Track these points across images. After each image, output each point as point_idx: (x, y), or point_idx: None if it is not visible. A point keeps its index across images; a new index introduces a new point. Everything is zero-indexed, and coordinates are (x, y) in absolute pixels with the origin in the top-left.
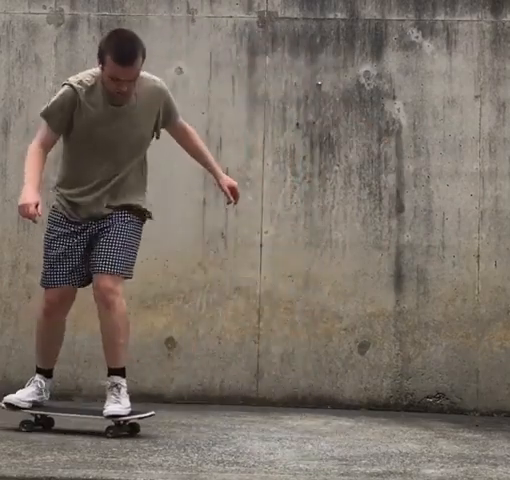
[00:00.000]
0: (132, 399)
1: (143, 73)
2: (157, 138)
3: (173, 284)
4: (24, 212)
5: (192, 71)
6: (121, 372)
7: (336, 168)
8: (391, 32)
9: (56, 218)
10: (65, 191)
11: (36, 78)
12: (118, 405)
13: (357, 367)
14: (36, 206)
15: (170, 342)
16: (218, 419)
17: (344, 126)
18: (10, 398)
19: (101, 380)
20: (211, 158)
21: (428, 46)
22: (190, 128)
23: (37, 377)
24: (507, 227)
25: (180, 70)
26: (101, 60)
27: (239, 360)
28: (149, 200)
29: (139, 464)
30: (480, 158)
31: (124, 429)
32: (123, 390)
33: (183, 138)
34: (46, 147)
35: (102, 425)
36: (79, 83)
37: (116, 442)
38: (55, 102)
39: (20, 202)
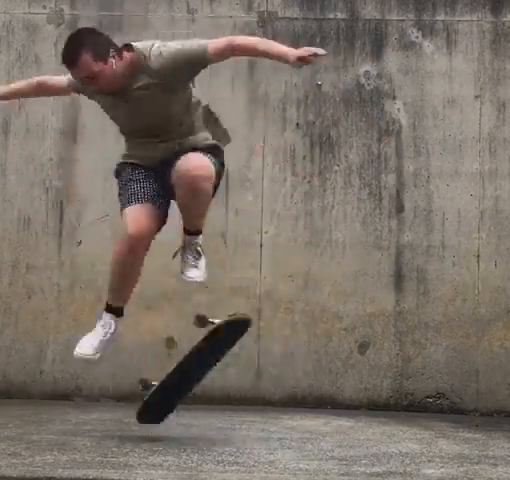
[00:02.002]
0: (132, 399)
1: (140, 47)
2: (193, 87)
3: (173, 284)
4: None
5: None
6: (198, 232)
7: (336, 168)
8: (391, 32)
9: (124, 165)
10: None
11: None
12: (195, 270)
13: (357, 367)
14: None
15: (170, 342)
16: (218, 419)
17: (344, 126)
18: (81, 352)
19: (102, 380)
20: (275, 49)
21: (428, 46)
22: (235, 42)
23: (107, 318)
24: (507, 227)
25: None
26: None
27: (239, 360)
28: None
29: (139, 464)
30: (480, 158)
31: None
32: (200, 249)
33: (239, 55)
34: (44, 82)
35: (105, 425)
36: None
37: (116, 442)
38: None
39: None
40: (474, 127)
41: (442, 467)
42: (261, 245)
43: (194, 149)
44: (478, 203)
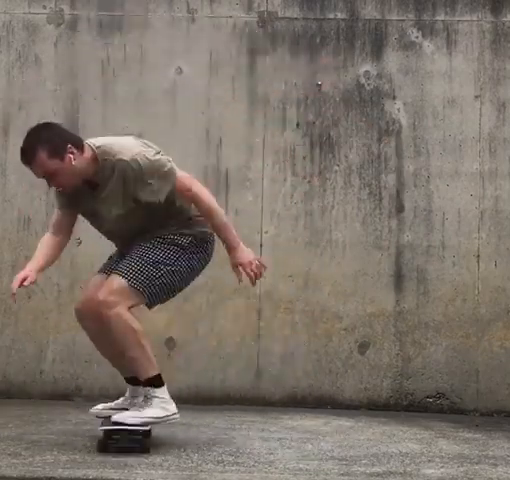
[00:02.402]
0: None
1: (107, 150)
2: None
3: None
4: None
5: (192, 71)
6: (146, 383)
7: (336, 168)
8: (391, 32)
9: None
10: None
11: (36, 78)
12: (128, 412)
13: (357, 367)
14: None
15: (170, 342)
16: (218, 419)
17: (344, 126)
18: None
19: (102, 380)
20: (220, 231)
21: (428, 46)
22: (197, 194)
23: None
24: (507, 227)
25: (180, 70)
26: None
27: (239, 360)
28: None
29: (139, 464)
30: (480, 158)
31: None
32: (154, 400)
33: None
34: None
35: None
36: None
37: None
38: None
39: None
40: (474, 127)
41: (442, 467)
42: (261, 245)
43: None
44: (478, 203)
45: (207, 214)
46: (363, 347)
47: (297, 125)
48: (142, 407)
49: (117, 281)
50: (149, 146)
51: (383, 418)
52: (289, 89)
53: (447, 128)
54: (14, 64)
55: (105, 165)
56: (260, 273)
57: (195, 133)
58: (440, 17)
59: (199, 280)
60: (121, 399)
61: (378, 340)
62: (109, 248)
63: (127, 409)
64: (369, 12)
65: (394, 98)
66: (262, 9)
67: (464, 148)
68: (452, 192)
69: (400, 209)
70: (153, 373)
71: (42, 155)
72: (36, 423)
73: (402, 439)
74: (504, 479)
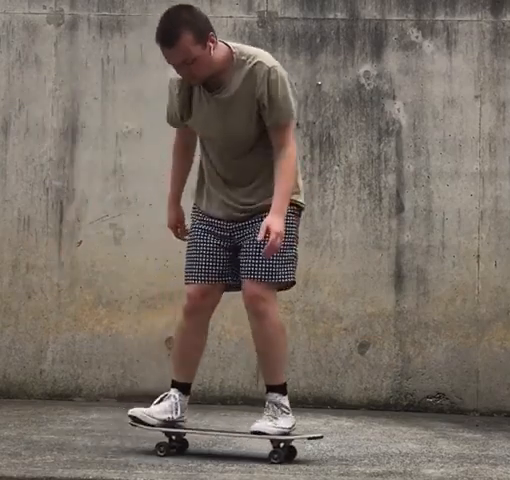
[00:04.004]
0: (132, 399)
1: (244, 51)
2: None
3: (173, 284)
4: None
5: None
6: (279, 389)
7: (336, 168)
8: (391, 32)
9: (197, 215)
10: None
11: (36, 78)
12: (267, 422)
13: (357, 367)
14: (177, 227)
15: (170, 342)
16: (218, 419)
17: (344, 126)
18: (137, 412)
19: (102, 380)
20: (285, 186)
21: (428, 46)
22: (290, 151)
23: (172, 391)
24: (507, 227)
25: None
26: None
27: (239, 360)
28: (148, 199)
29: (139, 464)
30: (480, 158)
31: (281, 453)
32: (283, 409)
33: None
34: (182, 143)
35: (105, 425)
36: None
37: (116, 442)
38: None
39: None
40: (474, 127)
41: (442, 467)
42: None
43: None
44: (478, 203)
45: (286, 175)
46: (363, 347)
47: (297, 125)
48: (275, 416)
49: (261, 286)
50: None
51: (383, 418)
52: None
53: (447, 128)
54: (14, 64)
55: (239, 65)
56: (271, 248)
57: None
58: (440, 17)
59: None
60: (165, 407)
61: (378, 340)
62: (107, 249)
63: (174, 424)
64: (369, 12)
65: (394, 98)
66: (262, 9)
67: (464, 148)
68: (452, 192)
69: (400, 209)
70: (284, 379)
71: (187, 38)
72: (36, 423)
73: (402, 439)
74: (504, 479)
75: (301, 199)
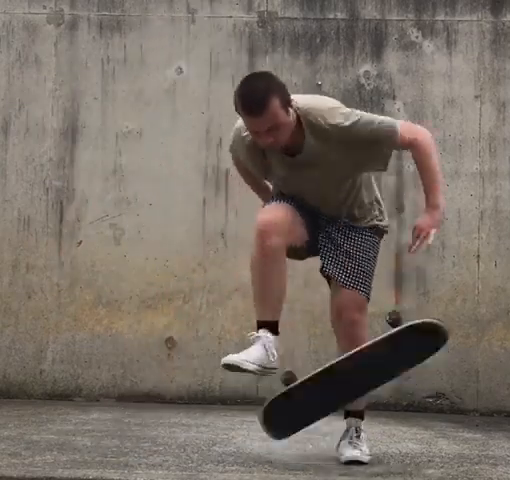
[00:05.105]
0: (132, 399)
1: (304, 108)
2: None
3: (173, 284)
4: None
5: (192, 71)
6: (359, 414)
7: None
8: (391, 32)
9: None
10: None
11: (36, 78)
12: (357, 451)
13: None
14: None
15: (170, 342)
16: (218, 419)
17: None
18: (232, 359)
19: (102, 380)
20: (430, 181)
21: (428, 46)
22: (420, 145)
23: (261, 332)
24: (507, 227)
25: (180, 70)
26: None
27: None
28: (148, 199)
29: (139, 464)
30: (480, 158)
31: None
32: (362, 435)
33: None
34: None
35: (105, 425)
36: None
37: (116, 442)
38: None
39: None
40: (474, 127)
41: (442, 467)
42: None
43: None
44: (478, 203)
45: (429, 172)
46: None
47: None
48: (361, 443)
49: (361, 300)
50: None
51: (383, 418)
52: (289, 89)
53: (447, 128)
54: (14, 64)
55: (308, 124)
56: (423, 241)
57: (195, 133)
58: (440, 17)
59: (199, 280)
60: (258, 350)
61: None
62: (107, 249)
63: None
64: (369, 12)
65: (394, 98)
66: (262, 9)
67: (464, 148)
68: (452, 192)
69: (400, 209)
70: (364, 405)
71: (276, 104)
72: (36, 423)
73: (402, 439)
74: (504, 479)
75: (385, 222)
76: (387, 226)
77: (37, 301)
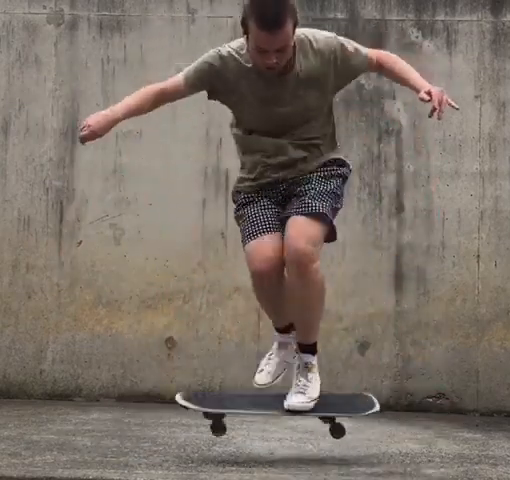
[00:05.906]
0: (132, 399)
1: (303, 34)
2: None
3: (173, 284)
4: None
5: None
6: (312, 349)
7: None
8: (391, 32)
9: (241, 196)
10: (245, 175)
11: (36, 78)
12: (300, 397)
13: (357, 367)
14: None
15: (170, 342)
16: None
17: (344, 126)
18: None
19: (102, 380)
20: (412, 78)
21: (428, 46)
22: (388, 60)
23: (282, 338)
24: (507, 227)
25: (180, 70)
26: (244, 29)
27: (239, 360)
28: (148, 199)
29: (139, 464)
30: (480, 158)
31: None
32: (313, 371)
33: (385, 74)
34: (160, 96)
35: (105, 425)
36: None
37: (116, 442)
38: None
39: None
40: (474, 127)
41: (442, 467)
42: None
43: (317, 170)
44: (478, 203)
45: (403, 79)
46: (363, 347)
47: None
48: (306, 383)
49: (313, 226)
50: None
51: (383, 418)
52: None
53: (447, 128)
54: (14, 64)
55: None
56: (444, 105)
57: (195, 133)
58: (440, 17)
59: (199, 280)
60: (274, 360)
61: (378, 340)
62: (107, 249)
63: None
64: (369, 12)
65: (394, 98)
66: None
67: (464, 148)
68: (452, 192)
69: (400, 209)
70: (317, 338)
71: (290, 25)
72: (36, 423)
73: (402, 439)
74: (504, 479)
75: (344, 158)
76: (346, 159)
77: (37, 301)
